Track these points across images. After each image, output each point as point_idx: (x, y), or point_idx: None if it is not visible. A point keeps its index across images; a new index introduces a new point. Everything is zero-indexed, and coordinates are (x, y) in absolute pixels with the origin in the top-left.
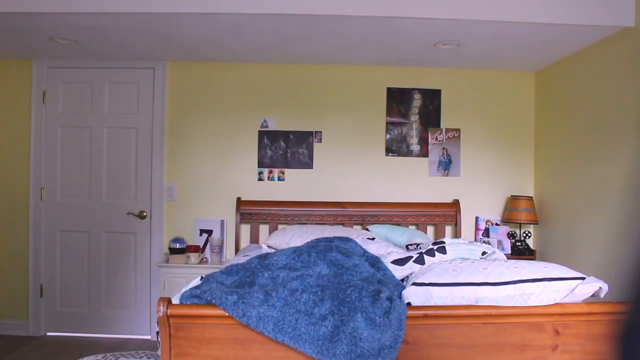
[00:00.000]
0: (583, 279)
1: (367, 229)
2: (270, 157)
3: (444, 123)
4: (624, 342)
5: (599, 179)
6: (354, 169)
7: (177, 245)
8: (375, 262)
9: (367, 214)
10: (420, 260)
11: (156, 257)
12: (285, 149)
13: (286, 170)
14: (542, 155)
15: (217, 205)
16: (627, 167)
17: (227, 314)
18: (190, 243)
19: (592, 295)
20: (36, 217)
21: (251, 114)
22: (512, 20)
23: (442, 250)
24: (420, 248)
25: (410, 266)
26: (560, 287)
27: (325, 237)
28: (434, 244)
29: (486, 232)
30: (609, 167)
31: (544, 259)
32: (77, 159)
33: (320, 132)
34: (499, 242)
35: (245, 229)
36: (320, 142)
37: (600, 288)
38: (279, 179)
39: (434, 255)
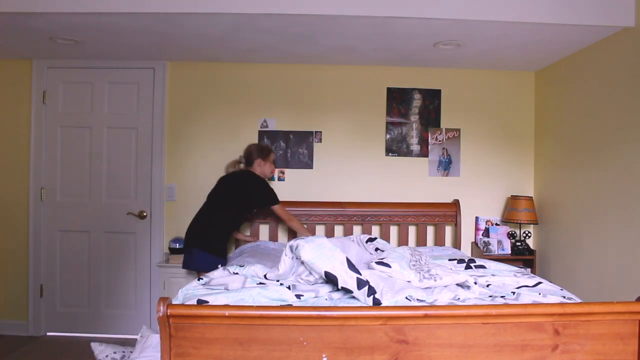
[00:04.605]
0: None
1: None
2: None
3: (444, 123)
4: None
5: (599, 179)
6: (354, 169)
7: (177, 245)
8: None
9: (367, 214)
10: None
11: (156, 257)
12: (285, 149)
13: (286, 170)
14: (542, 156)
15: None
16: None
17: (227, 314)
18: None
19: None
20: (36, 217)
21: (251, 114)
22: (512, 20)
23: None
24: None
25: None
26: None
27: None
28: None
29: (486, 232)
30: (609, 166)
31: (544, 258)
32: (77, 159)
33: (320, 132)
34: (499, 242)
35: (246, 229)
36: (320, 142)
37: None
38: (279, 179)
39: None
